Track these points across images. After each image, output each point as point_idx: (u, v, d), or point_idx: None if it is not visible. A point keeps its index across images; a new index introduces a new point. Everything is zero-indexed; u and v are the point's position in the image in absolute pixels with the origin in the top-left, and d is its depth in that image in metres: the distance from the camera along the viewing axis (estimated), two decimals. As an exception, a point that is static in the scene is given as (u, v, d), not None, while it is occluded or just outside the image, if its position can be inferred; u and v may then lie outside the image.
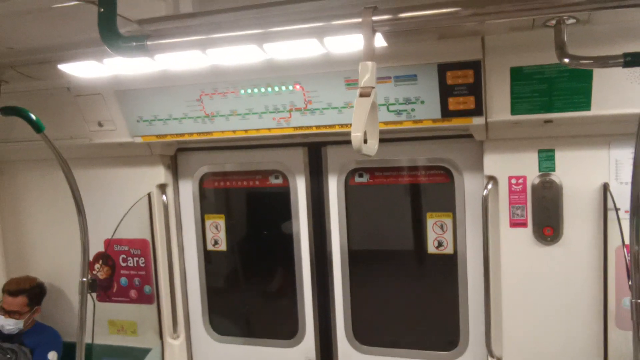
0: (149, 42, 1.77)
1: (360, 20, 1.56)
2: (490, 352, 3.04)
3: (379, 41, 2.26)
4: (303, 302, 3.59)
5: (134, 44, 1.78)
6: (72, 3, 2.05)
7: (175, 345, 3.79)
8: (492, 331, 3.02)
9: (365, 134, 1.49)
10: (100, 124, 3.38)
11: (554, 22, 2.13)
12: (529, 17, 1.97)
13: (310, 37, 1.80)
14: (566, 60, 2.04)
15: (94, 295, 3.05)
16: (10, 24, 2.39)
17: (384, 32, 1.69)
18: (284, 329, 3.72)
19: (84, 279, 2.93)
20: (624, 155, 2.73)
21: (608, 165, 2.77)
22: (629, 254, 2.26)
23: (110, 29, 1.78)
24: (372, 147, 1.56)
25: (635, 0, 1.63)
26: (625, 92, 2.44)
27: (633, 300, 2.23)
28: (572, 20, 2.13)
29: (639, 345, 2.25)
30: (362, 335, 3.54)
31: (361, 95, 1.51)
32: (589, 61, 2.01)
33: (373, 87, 1.51)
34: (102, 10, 1.76)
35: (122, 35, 1.80)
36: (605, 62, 1.94)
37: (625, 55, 1.84)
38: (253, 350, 3.75)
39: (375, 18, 1.54)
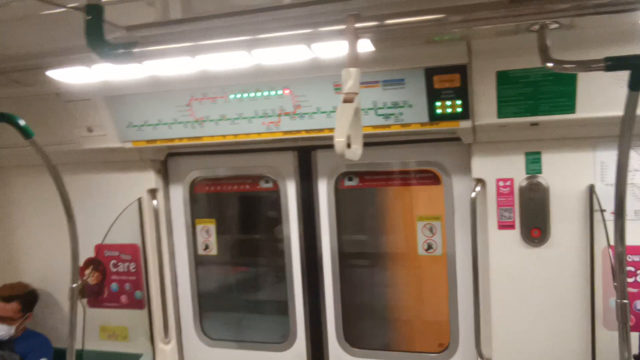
0: (135, 49, 1.79)
1: (344, 27, 1.58)
2: (480, 354, 3.07)
3: (367, 46, 2.28)
4: (294, 306, 3.59)
5: (121, 50, 1.80)
6: (60, 10, 2.06)
7: (166, 350, 3.78)
8: (481, 333, 3.05)
9: (349, 138, 1.51)
10: (90, 130, 3.38)
11: (537, 27, 2.16)
12: (511, 23, 1.99)
13: (296, 44, 1.82)
14: (549, 64, 2.06)
15: (85, 301, 3.05)
16: (-1, 30, 2.39)
17: (369, 38, 1.70)
18: (276, 333, 3.73)
19: (74, 285, 2.93)
20: (610, 157, 2.76)
21: (594, 167, 2.81)
22: (614, 255, 2.29)
23: (97, 36, 1.79)
24: (356, 151, 1.58)
25: (614, 7, 1.66)
26: (610, 95, 2.48)
27: (618, 301, 2.26)
28: (555, 25, 2.16)
29: (624, 345, 2.28)
30: (353, 338, 3.55)
31: (345, 101, 1.53)
32: (571, 65, 2.04)
33: (356, 93, 1.53)
34: (90, 17, 1.77)
35: (109, 42, 1.81)
36: (587, 66, 1.97)
37: (606, 59, 1.87)
38: (245, 355, 3.75)
39: (358, 25, 1.56)
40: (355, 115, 1.52)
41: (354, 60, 1.55)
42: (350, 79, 1.53)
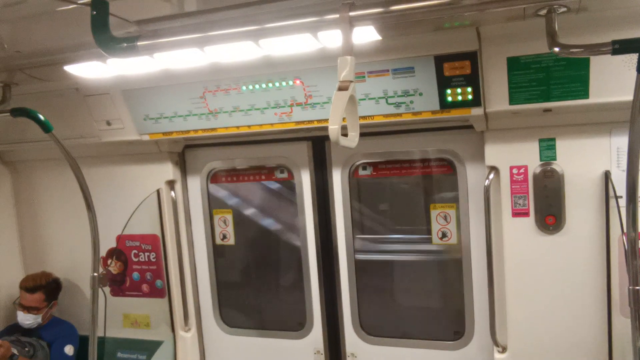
0: (139, 43, 1.83)
1: (337, 16, 1.59)
2: (495, 342, 3.06)
3: (372, 35, 2.29)
4: (310, 294, 3.64)
5: (125, 44, 1.85)
6: (72, 6, 2.11)
7: (187, 337, 3.87)
8: (496, 321, 3.04)
9: (347, 127, 1.53)
10: (108, 123, 3.46)
11: (544, 11, 2.13)
12: (518, 6, 1.97)
13: (296, 33, 1.84)
14: (556, 49, 2.03)
15: (107, 289, 3.13)
16: (17, 28, 2.46)
17: (365, 26, 1.71)
18: (293, 321, 3.78)
19: (95, 274, 3.02)
20: (625, 143, 2.69)
21: (609, 153, 2.77)
22: (627, 241, 2.26)
23: (102, 31, 1.84)
24: (353, 139, 1.60)
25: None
26: (623, 79, 2.42)
27: (630, 287, 2.23)
28: (563, 9, 2.13)
29: (637, 331, 2.25)
30: (369, 326, 3.58)
31: (340, 89, 1.55)
32: (578, 49, 2.00)
33: (351, 81, 1.55)
34: (95, 13, 1.83)
35: (114, 37, 1.86)
36: (594, 50, 1.94)
37: (613, 42, 1.84)
38: (262, 342, 3.82)
39: (352, 14, 1.57)
40: (351, 103, 1.54)
41: (349, 48, 1.56)
42: (346, 67, 1.55)
